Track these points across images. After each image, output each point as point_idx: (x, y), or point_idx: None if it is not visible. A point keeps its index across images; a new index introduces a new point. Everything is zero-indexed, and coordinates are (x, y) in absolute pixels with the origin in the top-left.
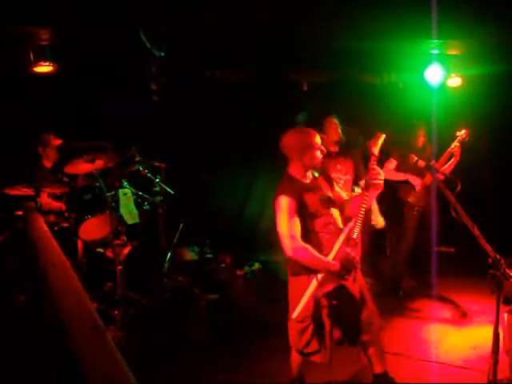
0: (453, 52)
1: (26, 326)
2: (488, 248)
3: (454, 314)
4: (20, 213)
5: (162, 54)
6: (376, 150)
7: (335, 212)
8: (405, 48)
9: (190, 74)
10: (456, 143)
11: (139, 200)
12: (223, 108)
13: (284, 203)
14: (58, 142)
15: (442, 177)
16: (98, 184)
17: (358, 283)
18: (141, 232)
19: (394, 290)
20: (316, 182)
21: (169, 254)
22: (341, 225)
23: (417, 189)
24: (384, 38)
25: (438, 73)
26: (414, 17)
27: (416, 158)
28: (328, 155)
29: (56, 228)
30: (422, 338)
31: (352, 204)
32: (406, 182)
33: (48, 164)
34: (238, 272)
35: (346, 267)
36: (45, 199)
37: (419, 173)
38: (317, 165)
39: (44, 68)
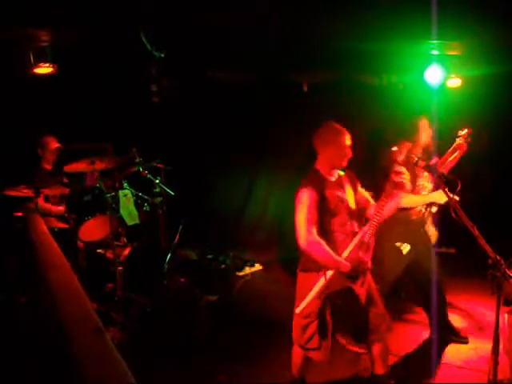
0: (453, 53)
1: (26, 327)
2: (488, 248)
3: (455, 315)
4: (20, 214)
5: (162, 55)
6: (401, 158)
7: (350, 214)
8: (405, 49)
9: (190, 74)
10: (460, 139)
11: (139, 201)
12: (223, 109)
13: (306, 195)
14: (55, 145)
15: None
16: (98, 185)
17: (365, 286)
18: (141, 233)
19: (394, 292)
20: (340, 181)
21: (169, 255)
22: (356, 227)
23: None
24: (384, 38)
25: (437, 74)
26: (413, 18)
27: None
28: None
29: (56, 229)
30: (422, 338)
31: (375, 208)
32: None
33: (48, 166)
34: (239, 273)
35: (357, 270)
36: (42, 203)
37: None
38: (343, 165)
39: (44, 69)
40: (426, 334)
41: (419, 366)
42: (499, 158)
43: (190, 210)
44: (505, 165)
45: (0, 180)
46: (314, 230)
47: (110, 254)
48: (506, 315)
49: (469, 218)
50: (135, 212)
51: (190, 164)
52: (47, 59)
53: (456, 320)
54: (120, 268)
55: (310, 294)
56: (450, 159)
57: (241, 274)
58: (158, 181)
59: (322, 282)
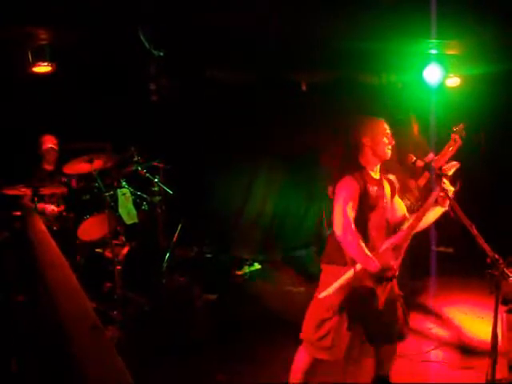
0: (451, 52)
1: (25, 327)
2: (486, 248)
3: (453, 314)
4: (18, 213)
5: (161, 54)
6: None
7: (387, 215)
8: (404, 48)
9: (190, 74)
10: (455, 135)
11: (138, 200)
12: (222, 108)
13: (348, 184)
14: (48, 145)
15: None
16: (96, 184)
17: (387, 292)
18: (139, 232)
19: None
20: (381, 180)
21: (167, 254)
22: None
23: (412, 190)
24: (383, 38)
25: (436, 73)
26: (412, 17)
27: (414, 158)
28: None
29: (55, 228)
30: (421, 337)
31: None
32: (400, 184)
33: (48, 166)
34: (238, 272)
35: (384, 273)
36: (40, 205)
37: (416, 173)
38: (386, 156)
39: (43, 68)
40: (423, 333)
41: (417, 365)
42: (497, 157)
43: (189, 209)
44: (503, 163)
45: None
46: (351, 220)
47: (108, 253)
48: (504, 314)
49: (467, 216)
50: (134, 211)
51: (188, 163)
52: (46, 58)
53: (454, 320)
54: (118, 267)
55: (336, 282)
56: (446, 157)
57: (240, 272)
58: (156, 180)
59: (350, 273)
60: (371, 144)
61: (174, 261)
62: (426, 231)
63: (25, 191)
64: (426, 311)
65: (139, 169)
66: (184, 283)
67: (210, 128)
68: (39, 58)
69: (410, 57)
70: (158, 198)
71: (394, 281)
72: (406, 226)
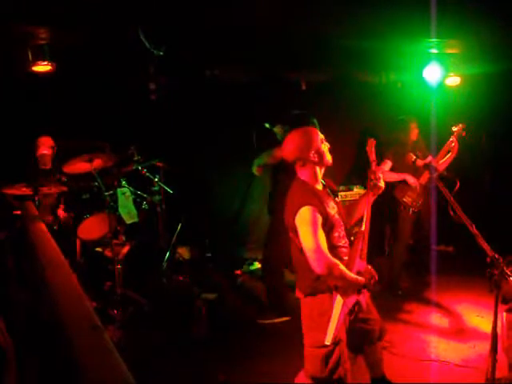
0: (451, 51)
1: (25, 326)
2: (486, 247)
3: (453, 313)
4: (18, 212)
5: (161, 54)
6: (374, 155)
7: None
8: (404, 47)
9: (189, 73)
10: (453, 138)
11: (138, 199)
12: (222, 107)
13: (307, 214)
14: (42, 151)
15: (441, 169)
16: (96, 183)
17: (367, 297)
18: (139, 231)
19: (392, 290)
20: (326, 190)
21: (167, 254)
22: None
23: (412, 188)
24: (383, 37)
25: (436, 72)
26: (412, 16)
27: (414, 157)
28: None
29: (54, 227)
30: (421, 336)
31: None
32: (402, 181)
33: (44, 166)
34: (238, 272)
35: (369, 282)
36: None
37: (416, 172)
38: (329, 162)
39: (42, 67)
40: (423, 332)
41: (416, 364)
42: (498, 156)
43: (189, 209)
44: (503, 162)
45: None
46: (326, 250)
47: (108, 253)
48: (504, 314)
49: (467, 216)
50: (134, 210)
51: (188, 162)
52: (45, 57)
53: (454, 319)
54: (119, 266)
55: (333, 319)
56: (446, 157)
57: (240, 272)
58: (156, 179)
59: (339, 302)
60: (308, 156)
61: (174, 260)
62: (424, 231)
63: (24, 191)
64: (426, 310)
65: (139, 168)
66: (184, 283)
67: (209, 127)
68: (39, 57)
69: (410, 56)
70: (158, 198)
71: None
72: (362, 227)
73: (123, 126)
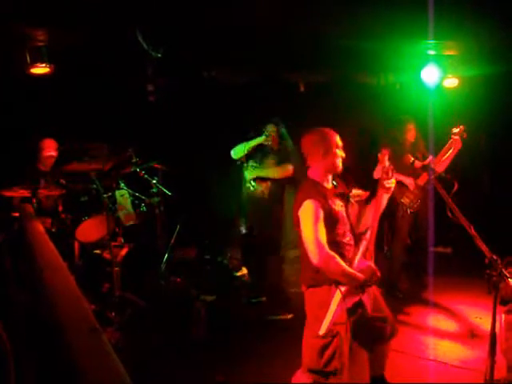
0: (449, 53)
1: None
2: (485, 248)
3: (451, 315)
4: (16, 214)
5: (159, 55)
6: (385, 163)
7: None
8: (402, 49)
9: (188, 74)
10: (454, 138)
11: (136, 201)
12: (221, 108)
13: (310, 208)
14: (48, 153)
15: (440, 170)
16: (94, 185)
17: (371, 294)
18: (138, 233)
19: (391, 291)
20: (335, 189)
21: (166, 255)
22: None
23: (410, 189)
24: (381, 38)
25: (434, 73)
26: (410, 17)
27: (412, 159)
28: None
29: (53, 230)
30: (420, 338)
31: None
32: (400, 182)
33: (43, 167)
34: (236, 273)
35: (370, 280)
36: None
37: (414, 173)
38: (339, 169)
39: (40, 69)
40: (422, 333)
41: (415, 364)
42: (496, 157)
43: (188, 210)
44: (502, 163)
45: None
46: (325, 243)
47: (106, 255)
48: (502, 315)
49: (466, 217)
50: (132, 212)
51: (187, 164)
52: (43, 59)
53: (453, 320)
54: (117, 268)
55: (329, 311)
56: (445, 158)
57: (238, 274)
58: (155, 181)
59: (338, 296)
60: (321, 159)
61: (173, 262)
62: (422, 231)
63: (22, 193)
64: (424, 312)
65: (137, 170)
66: (182, 284)
67: (208, 128)
68: (37, 59)
69: (408, 57)
70: (156, 199)
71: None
72: (369, 228)
73: (122, 127)
